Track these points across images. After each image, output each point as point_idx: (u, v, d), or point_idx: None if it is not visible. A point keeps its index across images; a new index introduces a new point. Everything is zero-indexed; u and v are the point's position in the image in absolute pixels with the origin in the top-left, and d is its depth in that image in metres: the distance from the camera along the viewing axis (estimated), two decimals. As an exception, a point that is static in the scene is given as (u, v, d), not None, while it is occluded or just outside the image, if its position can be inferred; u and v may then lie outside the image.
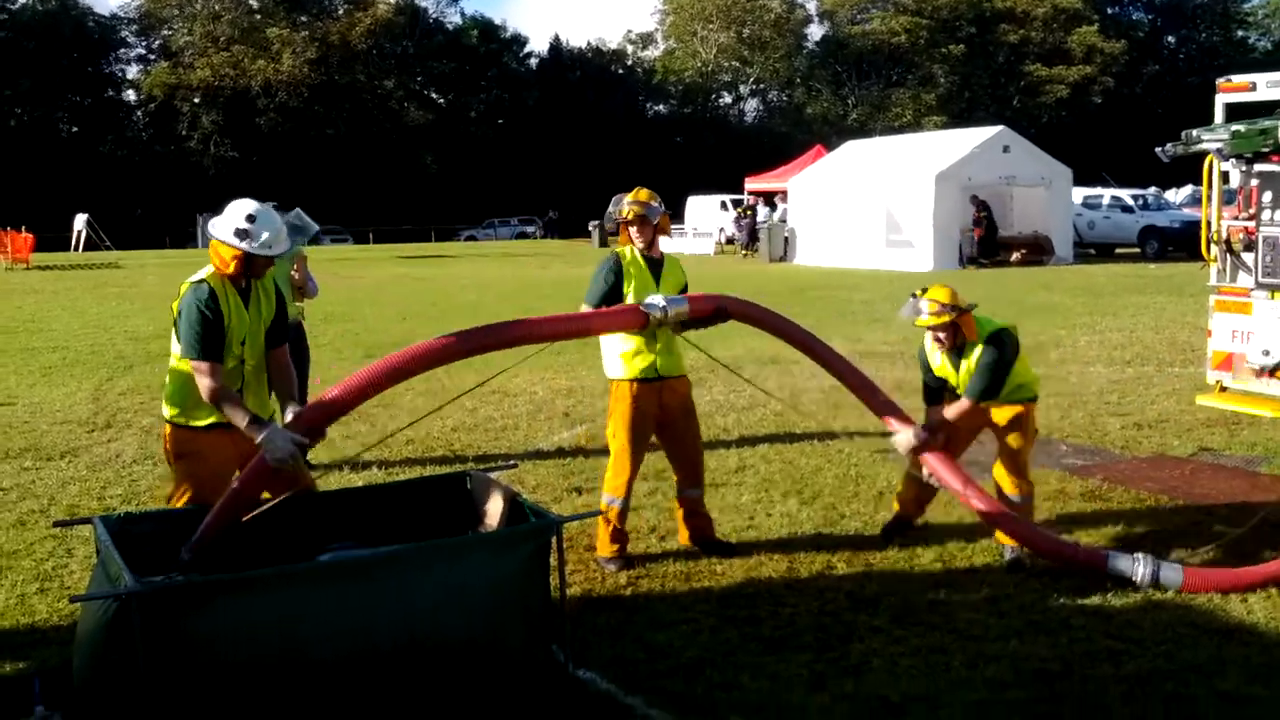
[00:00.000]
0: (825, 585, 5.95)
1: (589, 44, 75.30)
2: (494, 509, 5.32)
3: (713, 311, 6.17)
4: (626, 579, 6.14)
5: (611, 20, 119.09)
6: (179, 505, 5.08)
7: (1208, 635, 5.22)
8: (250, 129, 63.22)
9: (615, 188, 61.86)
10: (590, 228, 47.51)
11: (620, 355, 6.47)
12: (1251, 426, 9.00)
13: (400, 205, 62.67)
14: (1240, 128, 8.48)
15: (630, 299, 6.25)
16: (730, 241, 42.07)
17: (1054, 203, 32.10)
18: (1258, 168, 8.36)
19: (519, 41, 75.55)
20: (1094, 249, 34.97)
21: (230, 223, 4.91)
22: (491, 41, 72.99)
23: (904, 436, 6.23)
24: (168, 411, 5.15)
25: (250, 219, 4.90)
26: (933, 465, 6.21)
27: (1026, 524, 6.13)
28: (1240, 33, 75.25)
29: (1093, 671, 4.86)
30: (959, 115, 58.37)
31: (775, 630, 5.38)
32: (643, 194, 6.64)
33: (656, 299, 5.99)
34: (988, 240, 31.51)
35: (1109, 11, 73.40)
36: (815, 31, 74.75)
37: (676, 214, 47.05)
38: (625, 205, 6.67)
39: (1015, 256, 31.05)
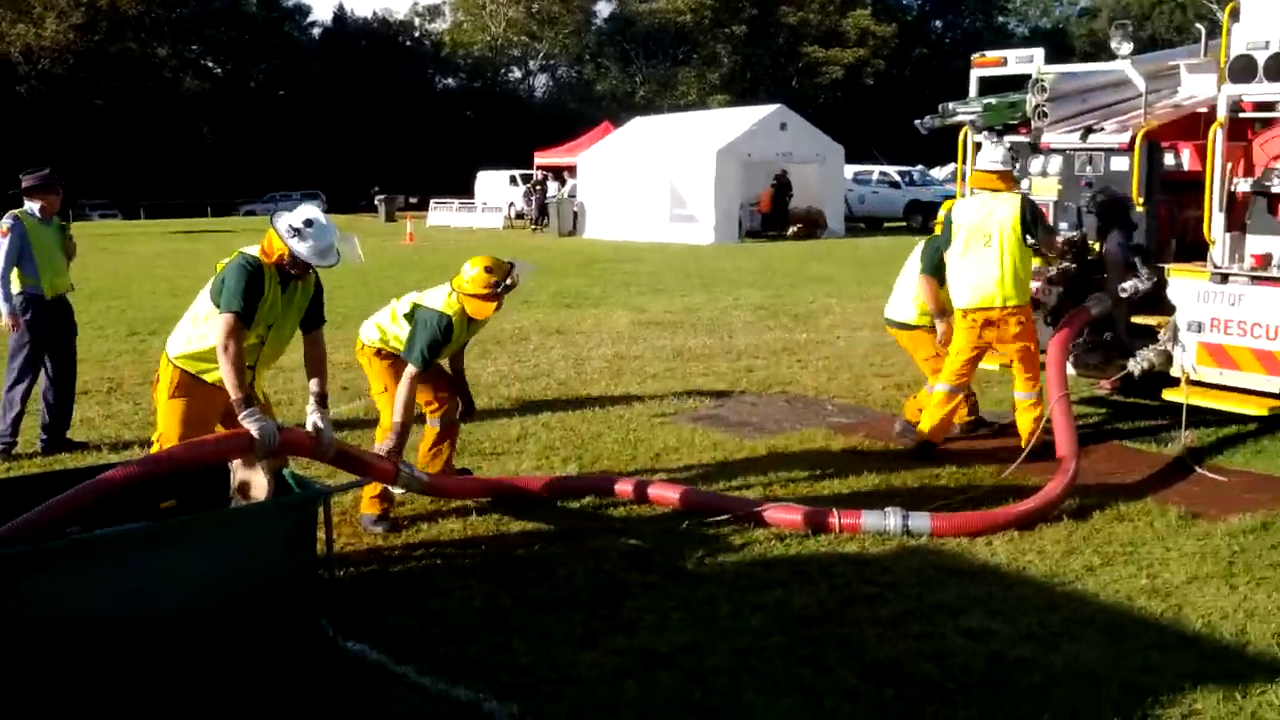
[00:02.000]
0: (600, 546, 6.01)
1: (375, 14, 73.59)
2: (259, 481, 5.16)
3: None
4: (400, 549, 6.06)
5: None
6: (163, 442, 5.41)
7: (955, 577, 5.55)
8: (10, 97, 58.67)
9: (403, 161, 60.81)
10: (376, 201, 46.38)
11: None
12: (1001, 385, 9.56)
13: (175, 179, 59.56)
14: (992, 101, 8.98)
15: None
16: (520, 216, 41.91)
17: (827, 178, 33.40)
18: (1008, 139, 8.87)
19: (302, 10, 73.00)
20: (864, 222, 36.58)
21: (291, 220, 5.22)
22: (273, 10, 70.18)
23: None
24: (179, 351, 5.48)
25: (308, 223, 5.22)
26: None
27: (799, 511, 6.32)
28: (1001, 19, 79.74)
29: (850, 614, 5.10)
30: (742, 94, 59.70)
31: (549, 591, 5.42)
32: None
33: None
34: (777, 213, 32.55)
35: (882, -4, 76.54)
36: (604, 8, 75.15)
37: (466, 188, 46.56)
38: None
39: (791, 230, 32.12)
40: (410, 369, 6.28)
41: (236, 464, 5.20)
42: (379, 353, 6.69)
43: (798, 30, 69.49)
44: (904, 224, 35.24)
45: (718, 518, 6.32)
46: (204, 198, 57.72)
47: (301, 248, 5.20)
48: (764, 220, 33.09)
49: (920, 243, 8.20)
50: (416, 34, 74.45)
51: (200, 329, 5.44)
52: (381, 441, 6.30)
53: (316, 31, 72.83)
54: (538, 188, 39.82)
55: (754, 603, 5.23)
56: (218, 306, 5.23)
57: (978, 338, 7.62)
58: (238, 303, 5.14)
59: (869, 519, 6.15)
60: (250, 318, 5.21)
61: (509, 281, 6.37)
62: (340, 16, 72.13)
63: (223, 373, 5.13)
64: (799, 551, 5.93)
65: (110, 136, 58.48)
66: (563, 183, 38.93)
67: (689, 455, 7.88)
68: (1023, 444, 7.52)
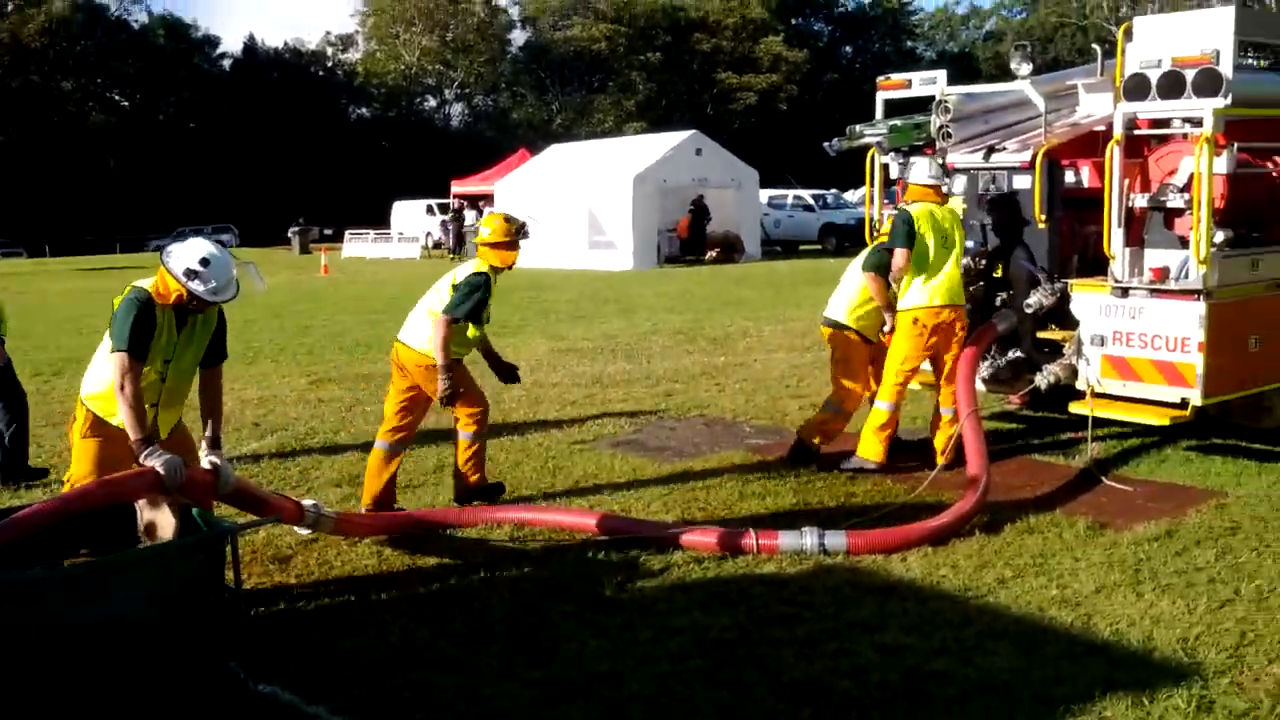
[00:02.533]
0: (518, 576, 5.96)
1: (286, 44, 72.59)
2: (165, 521, 5.04)
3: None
4: (313, 585, 5.94)
5: (310, 21, 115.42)
6: (75, 483, 5.25)
7: (871, 594, 5.59)
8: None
9: (318, 192, 60.06)
10: (289, 234, 45.75)
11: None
12: (917, 402, 9.67)
13: (82, 215, 58.17)
14: (897, 122, 9.12)
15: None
16: (438, 246, 41.67)
17: (743, 203, 33.76)
18: (913, 159, 9.01)
19: (211, 41, 71.98)
20: (780, 246, 36.97)
21: (184, 259, 5.01)
22: (181, 41, 69.13)
23: None
24: (87, 391, 5.33)
25: (204, 262, 5.01)
26: None
27: (721, 534, 6.31)
28: (909, 43, 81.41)
29: (768, 635, 5.11)
30: (658, 121, 60.05)
31: (466, 625, 5.35)
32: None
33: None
34: (695, 238, 32.77)
35: (793, 22, 77.58)
36: (519, 37, 75.26)
37: (382, 219, 46.16)
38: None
39: (709, 255, 32.35)
40: (445, 318, 6.79)
41: (142, 504, 5.08)
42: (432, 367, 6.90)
43: (712, 57, 70.24)
44: (819, 247, 35.71)
45: (641, 538, 6.30)
46: (113, 234, 56.45)
47: (200, 288, 5.04)
48: (682, 245, 33.29)
49: (863, 252, 8.30)
50: (329, 64, 73.82)
51: (103, 369, 5.30)
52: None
53: (227, 63, 71.86)
54: (455, 217, 39.64)
55: (673, 627, 5.22)
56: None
57: (925, 344, 7.73)
58: (126, 341, 4.99)
59: (786, 539, 6.18)
60: (142, 355, 5.05)
61: (526, 230, 7.22)
62: (251, 47, 71.29)
63: (120, 413, 5.01)
64: (717, 574, 5.93)
65: (13, 173, 57.00)
66: (480, 211, 38.77)
67: (608, 481, 7.86)
68: (937, 460, 7.63)
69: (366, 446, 8.93)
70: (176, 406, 5.46)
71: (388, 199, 47.55)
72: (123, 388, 4.96)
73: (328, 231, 50.86)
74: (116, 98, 67.49)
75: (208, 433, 5.33)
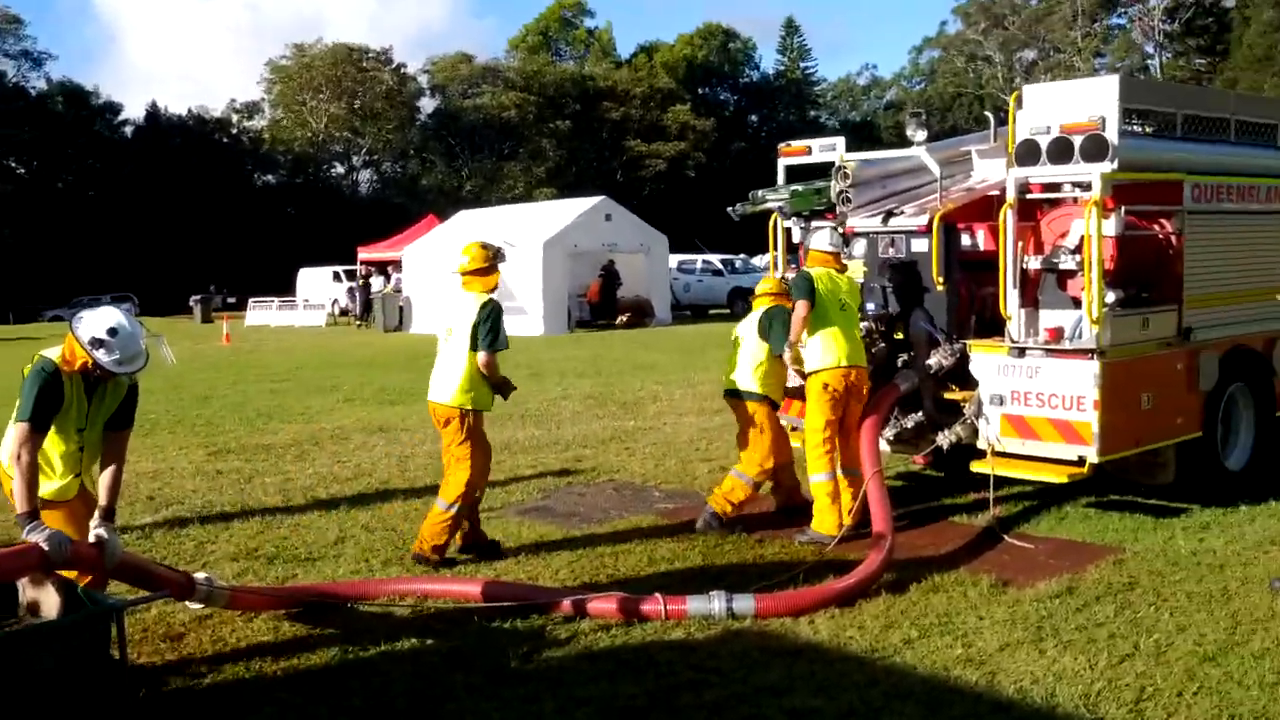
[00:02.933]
0: (420, 649, 5.81)
1: (190, 111, 71.67)
2: (49, 599, 4.82)
3: None
4: (207, 662, 5.70)
5: (214, 89, 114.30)
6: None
7: (779, 657, 5.56)
8: None
9: (222, 260, 59.05)
10: (191, 303, 44.86)
11: None
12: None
13: (-26, 285, 56.37)
14: (799, 188, 9.27)
15: None
16: (344, 313, 41.20)
17: (653, 268, 34.02)
18: (815, 224, 9.14)
19: (113, 108, 70.72)
20: (690, 310, 37.29)
21: (91, 328, 4.93)
22: (81, 108, 67.83)
23: None
24: (2, 461, 5.19)
25: (112, 332, 4.92)
26: None
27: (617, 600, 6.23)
28: (813, 113, 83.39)
29: (676, 702, 5.03)
30: (568, 187, 60.44)
31: (366, 700, 5.18)
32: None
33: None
34: (605, 303, 32.87)
35: (700, 92, 79.07)
36: (428, 104, 75.34)
37: (288, 286, 45.52)
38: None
39: (620, 319, 32.47)
40: (487, 355, 7.28)
41: (24, 582, 4.86)
42: (468, 413, 7.36)
43: (621, 125, 71.13)
44: (728, 310, 36.01)
45: (546, 607, 6.19)
46: (6, 304, 54.75)
47: (106, 359, 4.96)
48: (593, 310, 33.36)
49: (751, 317, 8.36)
50: (234, 130, 73.03)
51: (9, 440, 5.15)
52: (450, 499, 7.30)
53: (129, 129, 70.69)
54: (362, 283, 39.28)
55: (580, 697, 5.12)
56: None
57: (840, 404, 7.76)
58: (29, 411, 4.93)
59: (694, 604, 6.13)
60: (43, 426, 4.97)
61: (503, 254, 7.62)
62: (153, 114, 70.23)
63: (13, 482, 4.87)
64: (625, 642, 5.85)
65: (-99, 243, 55.18)
66: (387, 278, 38.51)
67: (515, 549, 7.73)
68: (844, 520, 7.66)
69: (265, 518, 8.76)
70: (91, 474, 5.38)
71: (294, 266, 46.95)
72: (19, 457, 4.86)
73: (231, 300, 49.97)
74: (13, 165, 65.86)
75: (103, 501, 5.19)
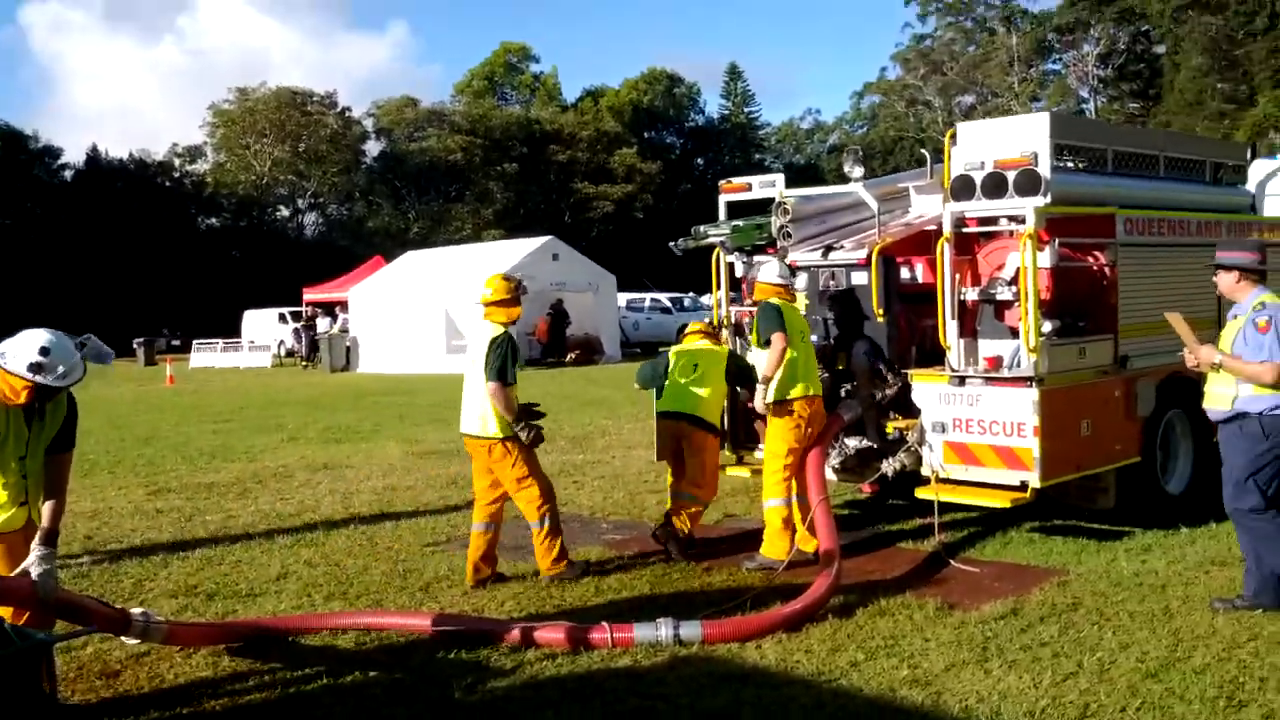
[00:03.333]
0: (363, 682, 5.72)
1: (132, 155, 70.88)
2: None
3: None
4: (140, 698, 5.58)
5: (155, 132, 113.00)
6: None
7: (726, 683, 5.55)
8: None
9: (166, 303, 58.35)
10: (134, 345, 44.19)
11: None
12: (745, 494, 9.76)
13: (-93, 329, 55.00)
14: (740, 223, 9.39)
15: None
16: (290, 354, 40.79)
17: (601, 306, 34.11)
18: (758, 259, 9.25)
19: (52, 152, 69.74)
20: (639, 347, 37.34)
21: (23, 356, 4.85)
22: (19, 152, 66.84)
23: None
24: None
25: (44, 352, 4.86)
26: None
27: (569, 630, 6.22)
28: (758, 155, 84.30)
29: (621, 730, 5.00)
30: (516, 230, 60.40)
31: (308, 733, 5.10)
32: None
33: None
34: (554, 341, 32.86)
35: (646, 136, 79.64)
36: (373, 147, 75.14)
37: (234, 329, 45.04)
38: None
39: (570, 357, 32.46)
40: (496, 384, 7.35)
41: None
42: (505, 440, 7.43)
43: (568, 168, 71.41)
44: (678, 348, 36.24)
45: (491, 637, 6.14)
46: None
47: (49, 379, 4.89)
48: (542, 348, 33.32)
49: (705, 355, 8.40)
50: (176, 174, 72.32)
51: None
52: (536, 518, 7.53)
53: (69, 173, 69.80)
54: (307, 324, 38.95)
55: (523, 727, 5.07)
56: None
57: (803, 434, 7.81)
58: None
59: (641, 631, 6.11)
60: None
61: (524, 287, 7.79)
62: (94, 157, 69.40)
63: None
64: (571, 670, 5.81)
65: None
66: (334, 318, 38.22)
67: (460, 582, 7.66)
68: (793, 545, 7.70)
69: (206, 555, 8.62)
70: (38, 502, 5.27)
71: (239, 309, 46.49)
72: None
73: (176, 342, 49.34)
74: (-52, 209, 64.76)
75: (45, 524, 5.09)
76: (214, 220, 72.13)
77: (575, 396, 21.60)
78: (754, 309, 8.28)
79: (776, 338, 7.70)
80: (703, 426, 8.23)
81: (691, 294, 41.47)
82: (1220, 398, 6.57)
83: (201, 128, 73.05)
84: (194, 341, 43.66)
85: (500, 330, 7.53)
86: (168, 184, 70.98)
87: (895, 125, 78.24)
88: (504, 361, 7.40)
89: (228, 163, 71.84)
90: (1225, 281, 6.71)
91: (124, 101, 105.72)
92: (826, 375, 8.61)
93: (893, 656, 5.84)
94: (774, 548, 7.78)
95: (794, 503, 7.84)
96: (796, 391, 7.78)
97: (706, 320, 9.24)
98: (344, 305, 36.99)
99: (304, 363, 37.84)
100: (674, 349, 8.61)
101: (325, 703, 5.46)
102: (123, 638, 5.84)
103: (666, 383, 8.38)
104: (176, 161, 72.90)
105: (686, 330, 8.85)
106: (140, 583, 7.93)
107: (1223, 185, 10.10)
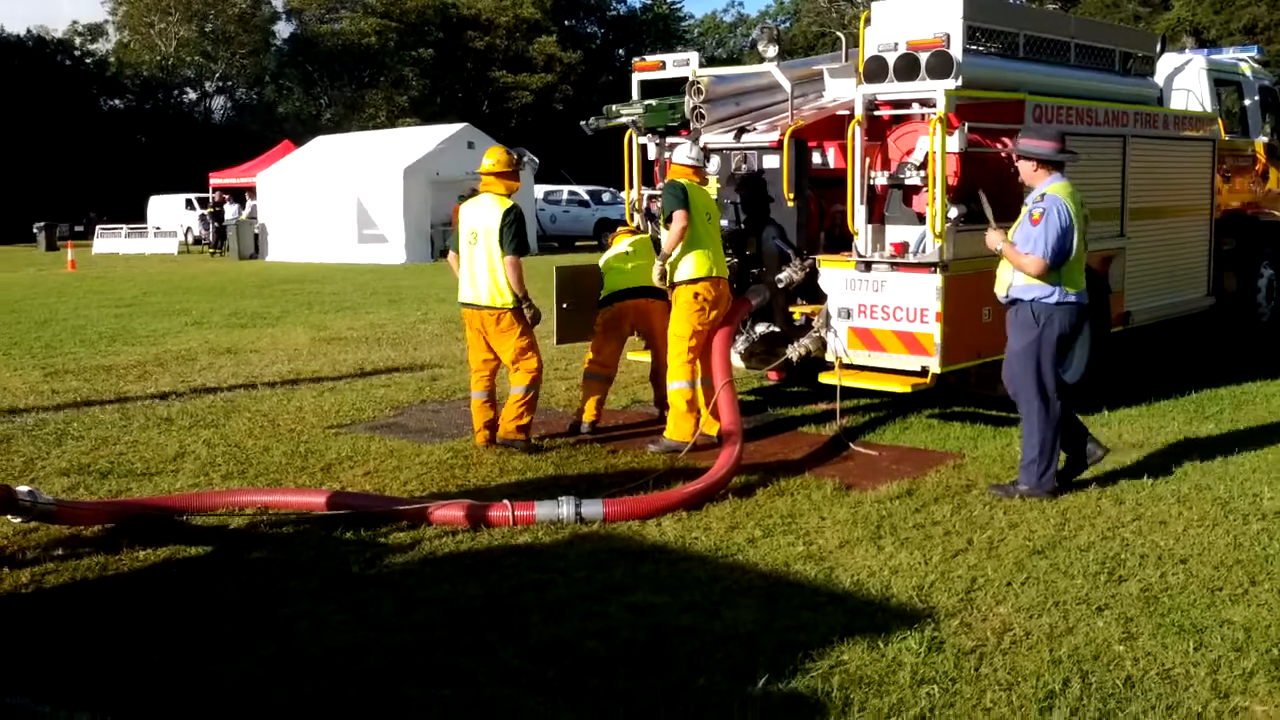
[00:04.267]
0: (256, 560, 5.66)
1: (30, 31, 67.48)
2: None
3: None
4: (32, 582, 5.45)
5: (54, 8, 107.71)
6: None
7: (625, 558, 5.58)
8: None
9: (70, 187, 56.24)
10: (35, 229, 42.67)
11: None
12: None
13: None
14: (653, 103, 9.20)
15: None
16: (198, 241, 39.76)
17: (518, 197, 33.51)
18: (671, 140, 9.10)
19: (-56, 28, 66.27)
20: (556, 242, 37.03)
21: None
22: (-97, 25, 63.42)
23: None
24: None
25: None
26: None
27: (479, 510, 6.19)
28: (680, 48, 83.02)
29: (518, 602, 5.01)
30: (432, 118, 58.89)
31: (198, 608, 5.03)
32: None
33: None
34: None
35: (566, 24, 77.86)
36: (284, 29, 72.49)
37: (138, 214, 43.69)
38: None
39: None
40: (514, 258, 7.59)
41: None
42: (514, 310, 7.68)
43: (486, 55, 69.67)
44: (595, 242, 35.88)
45: (389, 516, 6.09)
46: None
47: None
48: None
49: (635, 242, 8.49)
50: (77, 53, 69.20)
51: None
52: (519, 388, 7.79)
53: (-41, 49, 66.39)
54: (215, 210, 37.89)
55: (420, 598, 5.06)
56: None
57: (708, 317, 7.78)
58: None
59: (542, 509, 6.11)
60: None
61: (524, 160, 7.94)
62: (-12, 33, 66.08)
63: None
64: (470, 547, 5.80)
65: None
66: (243, 205, 37.21)
67: (363, 463, 7.59)
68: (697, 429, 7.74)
69: (100, 435, 8.41)
70: None
71: (144, 194, 45.02)
72: None
73: (78, 228, 47.69)
74: None
75: None
76: (117, 102, 69.35)
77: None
78: None
79: (678, 215, 7.61)
80: (661, 295, 8.13)
81: (611, 189, 41.07)
82: (1001, 282, 6.77)
83: (104, 4, 69.89)
84: (97, 227, 42.32)
85: (510, 203, 7.72)
86: (68, 63, 67.89)
87: (817, 20, 77.41)
88: (520, 234, 7.65)
89: (131, 42, 68.90)
90: (1024, 169, 6.81)
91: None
92: (735, 260, 8.57)
93: (789, 534, 5.92)
94: (678, 430, 7.81)
95: (699, 386, 7.85)
96: (700, 272, 7.72)
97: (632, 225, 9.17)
98: (252, 191, 36.00)
99: (211, 250, 36.93)
100: (603, 260, 8.59)
101: (217, 577, 5.39)
102: (7, 515, 5.69)
103: (608, 271, 8.40)
104: (77, 40, 69.67)
105: (613, 234, 8.91)
106: (31, 461, 7.72)
107: (1132, 76, 10.15)
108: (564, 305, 8.34)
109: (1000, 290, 6.74)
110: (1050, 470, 6.57)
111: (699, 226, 7.71)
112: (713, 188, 8.78)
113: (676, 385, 7.86)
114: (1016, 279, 6.58)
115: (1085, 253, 6.64)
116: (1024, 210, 6.62)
